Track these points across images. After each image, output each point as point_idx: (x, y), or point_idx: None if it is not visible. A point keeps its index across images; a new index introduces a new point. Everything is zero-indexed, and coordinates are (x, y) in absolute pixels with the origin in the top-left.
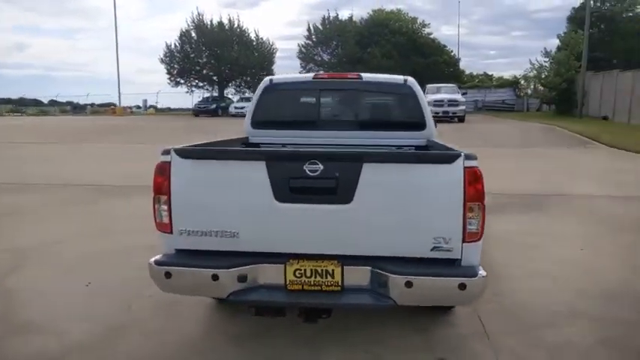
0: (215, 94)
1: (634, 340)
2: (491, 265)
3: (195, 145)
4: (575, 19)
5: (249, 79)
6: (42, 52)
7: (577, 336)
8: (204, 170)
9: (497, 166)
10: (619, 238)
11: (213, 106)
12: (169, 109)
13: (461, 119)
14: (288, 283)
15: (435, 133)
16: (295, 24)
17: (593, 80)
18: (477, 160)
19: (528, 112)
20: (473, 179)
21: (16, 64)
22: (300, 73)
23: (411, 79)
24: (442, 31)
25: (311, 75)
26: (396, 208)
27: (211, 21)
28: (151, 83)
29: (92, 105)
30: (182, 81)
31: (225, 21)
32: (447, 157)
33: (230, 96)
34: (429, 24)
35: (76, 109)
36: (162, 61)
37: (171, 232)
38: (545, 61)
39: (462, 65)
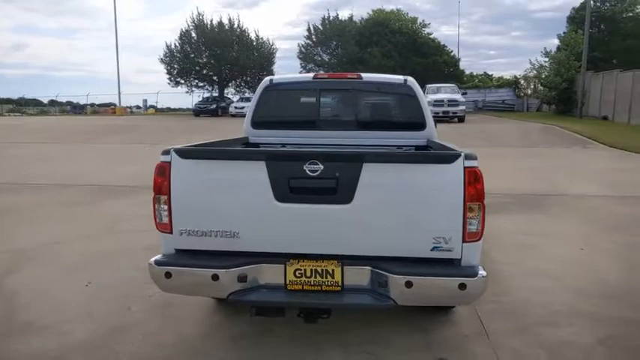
0: (215, 94)
1: (634, 339)
2: (490, 264)
3: (195, 145)
4: (575, 19)
5: (249, 79)
6: (41, 51)
7: (577, 335)
8: (204, 170)
9: (496, 165)
10: (619, 238)
11: (214, 106)
12: (169, 109)
13: (461, 119)
14: (288, 283)
15: (435, 133)
16: (295, 24)
17: (593, 80)
18: (477, 160)
19: (528, 112)
20: (473, 179)
21: (15, 63)
22: (300, 73)
23: (410, 79)
24: (442, 31)
25: (311, 75)
26: (396, 208)
27: (211, 21)
28: (150, 83)
29: (92, 105)
30: (182, 81)
31: (225, 21)
32: (447, 157)
33: (230, 96)
34: (429, 24)
35: (76, 109)
36: (162, 61)
37: (171, 232)
38: (545, 61)
39: (462, 65)
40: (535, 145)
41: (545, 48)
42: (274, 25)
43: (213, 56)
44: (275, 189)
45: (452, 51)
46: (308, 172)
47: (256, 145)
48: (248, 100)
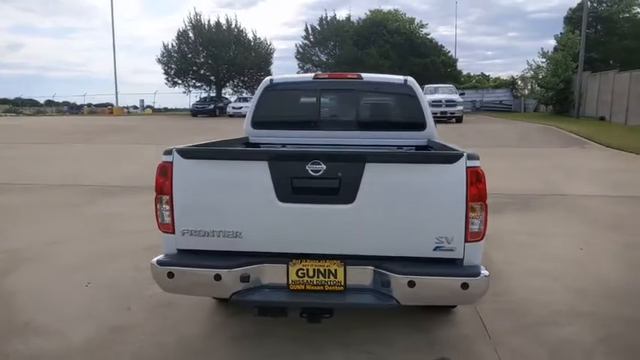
0: (212, 94)
1: (635, 338)
2: (490, 264)
3: (197, 145)
4: (572, 19)
5: (246, 79)
6: (38, 51)
7: (578, 334)
8: (206, 170)
9: (495, 165)
10: (618, 238)
11: (211, 106)
12: (166, 110)
13: (458, 120)
14: (290, 283)
15: (436, 133)
16: (292, 24)
17: (590, 81)
18: (480, 160)
19: (525, 113)
20: (475, 179)
21: (12, 64)
22: (297, 73)
23: (411, 79)
24: (439, 32)
25: (311, 75)
26: (399, 208)
27: (209, 21)
28: (146, 83)
29: (89, 105)
30: (179, 81)
31: (223, 21)
32: (449, 157)
33: (227, 96)
34: (426, 24)
35: (73, 109)
36: (159, 61)
37: (173, 232)
38: (542, 62)
39: (459, 66)
40: (533, 145)
41: (542, 48)
42: (271, 25)
43: (211, 56)
44: (277, 189)
45: (449, 51)
46: (310, 172)
47: (257, 145)
48: (246, 100)
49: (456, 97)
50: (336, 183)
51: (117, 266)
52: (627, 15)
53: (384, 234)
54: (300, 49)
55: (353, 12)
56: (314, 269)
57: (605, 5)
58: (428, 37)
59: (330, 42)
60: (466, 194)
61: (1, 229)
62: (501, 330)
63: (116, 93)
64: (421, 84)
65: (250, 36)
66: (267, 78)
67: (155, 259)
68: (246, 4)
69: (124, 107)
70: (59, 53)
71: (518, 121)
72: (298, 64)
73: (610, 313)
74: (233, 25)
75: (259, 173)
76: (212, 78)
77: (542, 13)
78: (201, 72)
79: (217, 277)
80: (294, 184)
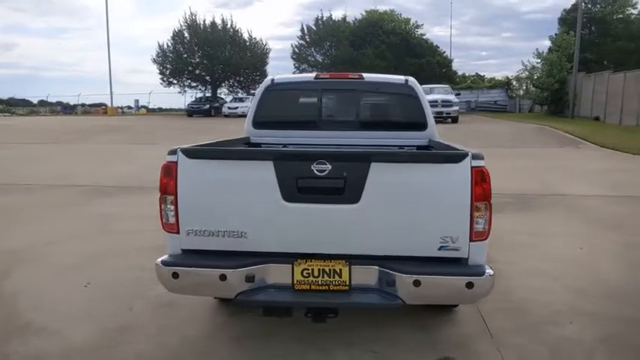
0: (208, 94)
1: (635, 338)
2: (491, 264)
3: (201, 145)
4: (567, 20)
5: (242, 79)
6: (31, 51)
7: (579, 334)
8: (211, 170)
9: (492, 165)
10: (617, 237)
11: (207, 106)
12: (160, 110)
13: (454, 120)
14: (295, 282)
15: (437, 133)
16: (288, 24)
17: (584, 81)
18: (484, 160)
19: (520, 113)
20: (480, 179)
21: (4, 63)
22: (293, 73)
23: (412, 80)
24: (434, 32)
25: (312, 75)
26: (404, 208)
27: (204, 21)
28: (140, 83)
29: (83, 105)
30: (175, 81)
31: (219, 21)
32: (454, 156)
33: (223, 96)
34: (422, 25)
35: (66, 109)
36: (154, 61)
37: (177, 232)
38: (537, 62)
39: (454, 66)
40: (529, 145)
41: (537, 49)
42: (267, 26)
43: (206, 56)
44: (283, 189)
45: (444, 52)
46: (316, 171)
47: (258, 145)
48: (241, 100)
49: (451, 97)
50: (342, 183)
51: (114, 266)
52: (621, 16)
53: (389, 233)
54: (296, 50)
55: (349, 12)
56: (319, 269)
57: (599, 6)
58: (423, 37)
59: (326, 42)
60: (471, 194)
61: None
62: (503, 329)
63: (111, 93)
64: None
65: (246, 36)
66: (269, 78)
67: (160, 260)
68: (241, 3)
69: (118, 107)
70: (52, 53)
71: (514, 122)
72: (294, 65)
73: (610, 313)
74: (229, 25)
75: (264, 173)
76: (207, 78)
77: (537, 14)
78: (197, 72)
79: (223, 277)
80: (300, 183)
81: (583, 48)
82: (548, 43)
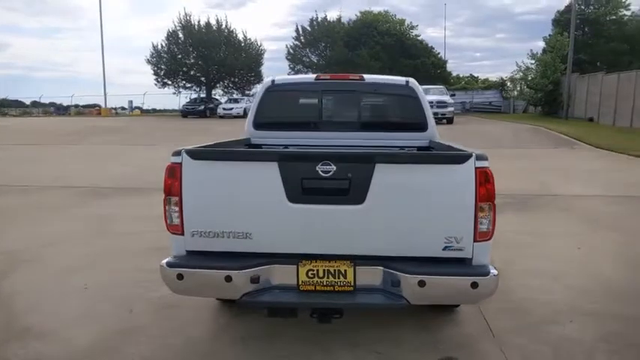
0: (203, 95)
1: (635, 336)
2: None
3: (205, 146)
4: (560, 21)
5: (237, 80)
6: (24, 52)
7: (580, 332)
8: (215, 171)
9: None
10: (615, 237)
11: (202, 107)
12: (155, 110)
13: (449, 121)
14: (300, 283)
15: (437, 134)
16: (282, 25)
17: (578, 82)
18: (488, 161)
19: (515, 114)
20: (484, 179)
21: None
22: (288, 74)
23: (412, 81)
24: (428, 33)
25: (313, 76)
26: (408, 209)
27: (199, 21)
28: (134, 84)
29: (76, 106)
30: (169, 82)
31: (213, 22)
32: (458, 157)
33: (218, 97)
34: (416, 26)
35: (59, 110)
36: (148, 61)
37: (182, 234)
38: (531, 63)
39: (448, 67)
40: (524, 146)
41: (531, 50)
42: (261, 26)
43: (201, 57)
44: (287, 190)
45: (439, 53)
46: (320, 172)
47: (259, 146)
48: (236, 101)
49: (447, 98)
50: (346, 184)
51: (114, 268)
52: (614, 17)
53: (393, 234)
54: (291, 50)
55: (343, 13)
56: (324, 270)
57: (592, 8)
58: (418, 38)
59: (320, 43)
60: (475, 194)
61: None
62: (505, 329)
63: (104, 94)
64: None
65: (240, 37)
66: (269, 79)
67: (164, 261)
68: (235, 4)
69: (112, 108)
70: (46, 53)
71: (508, 122)
72: (289, 65)
73: (610, 312)
74: (223, 26)
75: (269, 174)
76: (202, 79)
77: (530, 15)
78: (192, 73)
79: (228, 279)
80: (304, 184)
81: (576, 49)
82: (542, 45)
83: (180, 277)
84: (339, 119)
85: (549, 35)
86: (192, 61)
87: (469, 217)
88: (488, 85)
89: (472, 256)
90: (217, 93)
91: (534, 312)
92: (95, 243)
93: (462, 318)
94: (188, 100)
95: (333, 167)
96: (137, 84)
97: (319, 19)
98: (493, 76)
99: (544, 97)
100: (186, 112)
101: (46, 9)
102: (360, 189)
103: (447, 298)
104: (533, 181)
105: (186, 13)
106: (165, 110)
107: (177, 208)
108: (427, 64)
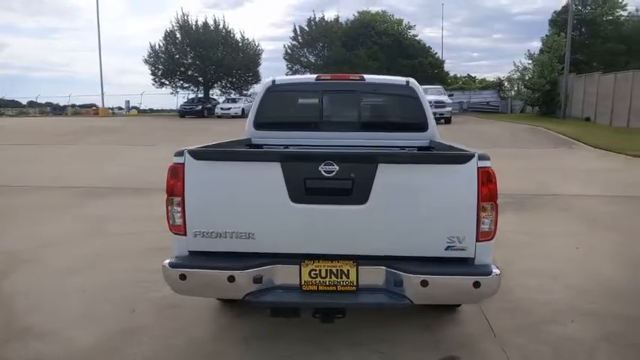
0: (200, 95)
1: (636, 336)
2: None
3: (207, 147)
4: (557, 22)
5: (234, 80)
6: (21, 51)
7: (580, 332)
8: (218, 171)
9: None
10: (612, 236)
11: (199, 107)
12: (152, 110)
13: (447, 120)
14: (303, 283)
15: (438, 134)
16: (280, 25)
17: (575, 82)
18: (490, 161)
19: (512, 114)
20: (486, 179)
21: None
22: (286, 74)
23: (412, 81)
24: (425, 33)
25: (314, 76)
26: (411, 208)
27: (196, 21)
28: (131, 84)
29: (73, 106)
30: (167, 82)
31: (211, 21)
32: (461, 157)
33: (215, 97)
34: (414, 26)
35: (56, 110)
36: (146, 61)
37: (184, 234)
38: (528, 63)
39: (446, 67)
40: (523, 146)
41: (528, 50)
42: (259, 26)
43: (199, 57)
44: (290, 190)
45: (436, 53)
46: (323, 172)
47: (259, 146)
48: (234, 101)
49: (444, 98)
50: (349, 184)
51: (114, 268)
52: (610, 18)
53: (396, 234)
54: (289, 50)
55: (341, 13)
56: (326, 270)
57: (589, 8)
58: (416, 38)
59: (318, 43)
60: (477, 194)
61: None
62: (506, 328)
63: (102, 94)
64: None
65: (238, 37)
66: (270, 79)
67: (167, 262)
68: (232, 4)
69: (109, 108)
70: (43, 53)
71: (506, 122)
72: (287, 65)
73: (610, 311)
74: (221, 26)
75: (272, 174)
76: (200, 79)
77: (527, 16)
78: (189, 73)
79: (231, 279)
80: (307, 184)
81: (573, 49)
82: (539, 45)
83: (182, 277)
84: (340, 119)
85: (546, 35)
86: (189, 61)
87: (471, 217)
88: (485, 85)
89: (474, 255)
90: (215, 93)
91: (534, 312)
92: (95, 243)
93: (464, 318)
94: (186, 100)
95: (336, 167)
96: (134, 84)
97: (317, 19)
98: (490, 76)
99: (541, 97)
100: (184, 112)
101: (44, 9)
102: (362, 189)
103: (450, 297)
104: (531, 180)
105: (183, 13)
106: (162, 110)
107: (179, 209)
108: (425, 64)
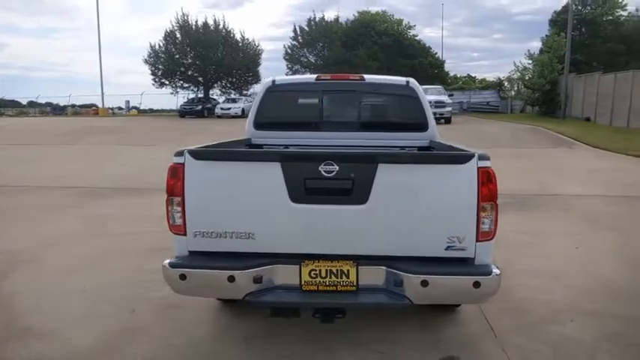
0: (200, 95)
1: (636, 336)
2: None
3: (207, 147)
4: (557, 22)
5: (234, 80)
6: (21, 51)
7: (580, 332)
8: (218, 171)
9: None
10: (612, 236)
11: (199, 107)
12: (151, 110)
13: (447, 120)
14: (303, 283)
15: (438, 134)
16: (280, 25)
17: (575, 82)
18: (490, 161)
19: (512, 114)
20: (486, 179)
21: None
22: (286, 74)
23: (413, 81)
24: (425, 33)
25: (314, 76)
26: (411, 208)
27: (196, 21)
28: (132, 84)
29: (73, 106)
30: (167, 82)
31: (211, 21)
32: (461, 157)
33: (215, 97)
34: (414, 26)
35: (56, 110)
36: (146, 61)
37: (184, 234)
38: (528, 63)
39: (446, 67)
40: (523, 145)
41: (528, 50)
42: (259, 26)
43: (199, 57)
44: (290, 190)
45: (436, 53)
46: (323, 172)
47: (259, 146)
48: (234, 101)
49: (444, 98)
50: (349, 184)
51: (113, 268)
52: (610, 18)
53: (396, 234)
54: (289, 50)
55: (341, 13)
56: (326, 270)
57: (589, 8)
58: (416, 38)
59: (318, 43)
60: (477, 194)
61: None
62: (506, 328)
63: (102, 94)
64: None
65: (238, 37)
66: (270, 79)
67: (167, 262)
68: (232, 4)
69: (109, 108)
70: (43, 53)
71: (506, 122)
72: (287, 65)
73: (610, 311)
74: (221, 26)
75: (272, 174)
76: (200, 79)
77: (527, 16)
78: (189, 73)
79: (231, 279)
80: (307, 184)
81: (573, 49)
82: (539, 45)
83: (183, 277)
84: (340, 119)
85: (546, 35)
86: (189, 61)
87: (471, 217)
88: (485, 85)
89: (474, 255)
90: (215, 93)
91: (535, 312)
92: (95, 243)
93: (464, 317)
94: (186, 100)
95: (336, 167)
96: (134, 84)
97: (317, 19)
98: (490, 76)
99: (541, 96)
100: (184, 112)
101: (44, 9)
102: (362, 189)
103: (450, 297)
104: (532, 180)
105: (183, 13)
106: (162, 110)
107: (179, 209)
108: (425, 64)
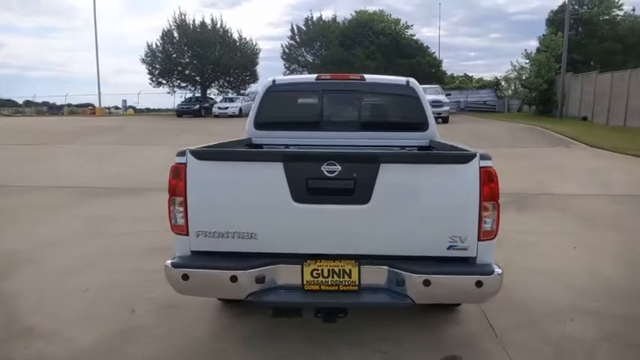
0: (198, 94)
1: (636, 336)
2: None
3: (209, 147)
4: (554, 21)
5: (232, 79)
6: (19, 51)
7: (581, 331)
8: (220, 172)
9: None
10: (612, 235)
11: (196, 106)
12: (148, 110)
13: (445, 120)
14: (305, 283)
15: (438, 133)
16: (277, 24)
17: (572, 82)
18: (492, 160)
19: (509, 113)
20: (488, 179)
21: None
22: (284, 74)
23: (413, 81)
24: (422, 33)
25: (314, 76)
26: (413, 208)
27: (194, 21)
28: (129, 83)
29: (69, 105)
30: (164, 81)
31: (208, 21)
32: (462, 157)
33: (213, 96)
34: (411, 25)
35: (52, 109)
36: (143, 61)
37: (187, 234)
38: (525, 63)
39: (443, 67)
40: (521, 145)
41: (525, 50)
42: (256, 26)
43: (196, 56)
44: (292, 190)
45: (433, 52)
46: (326, 172)
47: (260, 146)
48: (232, 100)
49: (442, 97)
50: (351, 184)
51: (113, 268)
52: (607, 17)
53: (398, 234)
54: (287, 50)
55: (338, 12)
56: (328, 269)
57: (585, 7)
58: (413, 38)
59: (316, 42)
60: (479, 194)
61: None
62: (507, 327)
63: (99, 93)
64: None
65: (236, 36)
66: (270, 79)
67: (169, 262)
68: (230, 3)
69: (106, 108)
70: (40, 53)
71: (504, 122)
72: (284, 65)
73: (610, 311)
74: (218, 25)
75: (274, 174)
76: (197, 78)
77: (524, 15)
78: (186, 72)
79: (234, 279)
80: (309, 184)
81: (570, 49)
82: (536, 44)
83: (185, 277)
84: (340, 119)
85: (543, 35)
86: (187, 60)
87: (473, 217)
88: (482, 85)
89: (476, 255)
90: (212, 92)
91: (535, 311)
92: (95, 243)
93: (465, 317)
94: (183, 99)
95: (338, 167)
96: (132, 83)
97: (314, 19)
98: (487, 76)
99: (538, 96)
100: (181, 112)
101: (41, 9)
102: (365, 189)
103: (452, 297)
104: (530, 180)
105: (180, 13)
106: (159, 110)
107: (181, 209)
108: (422, 64)
